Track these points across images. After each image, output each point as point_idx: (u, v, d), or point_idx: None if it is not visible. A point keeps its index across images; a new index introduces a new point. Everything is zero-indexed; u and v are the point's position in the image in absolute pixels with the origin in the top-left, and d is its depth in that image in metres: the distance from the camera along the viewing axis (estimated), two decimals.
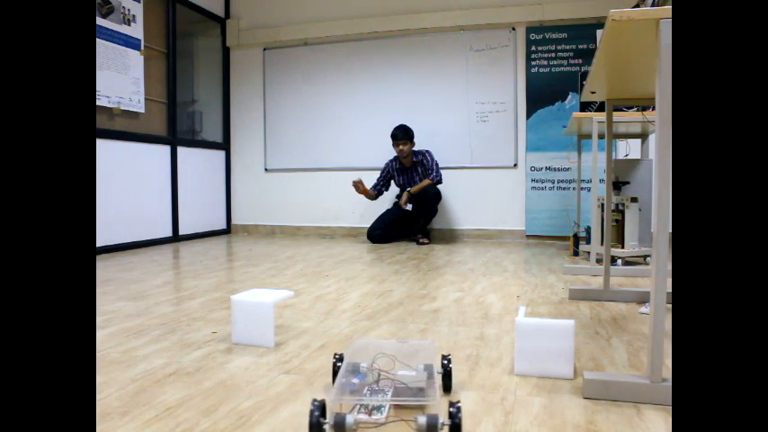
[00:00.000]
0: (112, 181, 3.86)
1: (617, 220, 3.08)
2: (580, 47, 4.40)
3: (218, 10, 5.15)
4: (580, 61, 4.40)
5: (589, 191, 4.27)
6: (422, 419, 0.95)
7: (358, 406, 1.01)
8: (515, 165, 4.59)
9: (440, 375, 1.17)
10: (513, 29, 4.53)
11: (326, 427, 0.96)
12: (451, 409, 0.95)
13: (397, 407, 1.03)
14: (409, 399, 1.05)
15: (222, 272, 2.93)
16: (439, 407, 1.00)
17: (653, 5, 1.59)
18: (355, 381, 1.09)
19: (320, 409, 0.95)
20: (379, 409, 1.00)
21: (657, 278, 1.13)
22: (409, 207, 4.33)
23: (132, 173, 4.05)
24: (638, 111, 2.94)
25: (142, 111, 4.15)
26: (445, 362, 1.20)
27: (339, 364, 1.22)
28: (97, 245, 3.72)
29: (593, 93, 1.99)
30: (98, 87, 3.74)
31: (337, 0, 4.93)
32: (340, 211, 5.02)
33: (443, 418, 0.95)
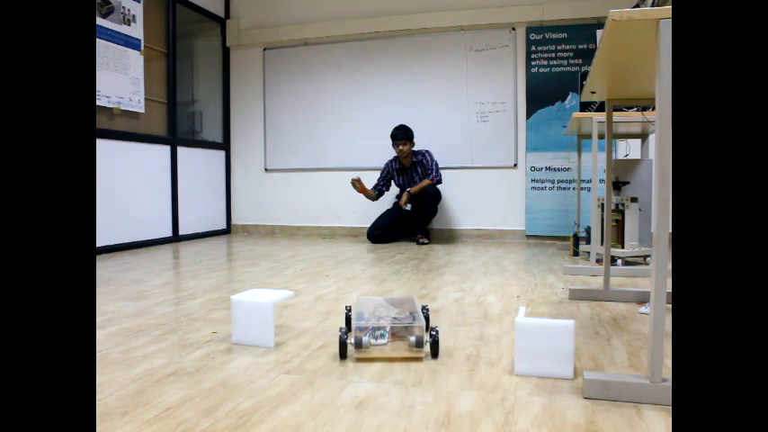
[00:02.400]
0: (112, 181, 3.86)
1: (617, 220, 3.08)
2: (580, 47, 4.40)
3: (218, 10, 5.15)
4: (580, 61, 4.40)
5: (589, 191, 4.27)
6: (412, 338, 1.46)
7: (368, 334, 1.47)
8: (515, 165, 4.59)
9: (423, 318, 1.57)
10: (513, 29, 4.53)
11: (349, 344, 1.47)
12: (432, 332, 1.46)
13: (393, 335, 1.50)
14: (406, 323, 1.50)
15: (222, 272, 2.93)
16: (424, 331, 1.47)
17: (653, 5, 1.59)
18: (362, 322, 1.51)
19: (345, 333, 1.45)
20: (383, 335, 1.49)
21: (657, 278, 1.13)
22: (409, 207, 4.33)
23: (132, 173, 4.05)
24: (638, 111, 2.94)
25: (142, 111, 4.15)
26: (425, 310, 1.65)
27: (350, 314, 1.67)
28: (97, 245, 3.72)
29: (593, 93, 1.99)
30: (98, 87, 3.74)
31: (337, 0, 4.93)
32: (340, 211, 5.03)
33: (427, 338, 1.47)
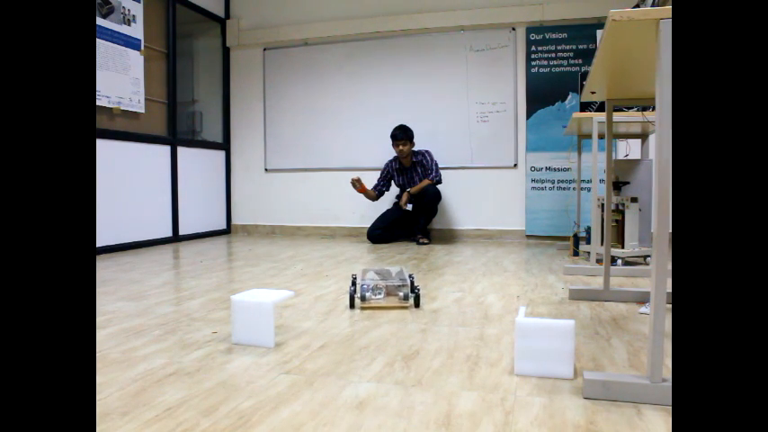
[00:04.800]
0: (112, 181, 3.86)
1: (617, 220, 3.08)
2: (580, 47, 4.40)
3: (218, 10, 5.15)
4: (580, 61, 4.40)
5: (589, 191, 4.27)
6: (401, 293, 2.04)
7: (370, 291, 2.03)
8: (515, 165, 4.59)
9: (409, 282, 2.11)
10: (513, 29, 4.53)
11: (356, 298, 2.07)
12: (415, 290, 2.06)
13: (388, 293, 2.05)
14: (397, 284, 2.07)
15: (222, 272, 2.93)
16: (409, 290, 2.06)
17: (653, 5, 1.59)
18: (365, 285, 2.04)
19: (353, 291, 2.04)
20: (380, 292, 2.04)
21: (657, 278, 1.13)
22: (409, 207, 4.33)
23: (132, 173, 4.05)
24: (638, 111, 2.94)
25: (142, 111, 4.15)
26: (411, 276, 2.17)
27: (355, 278, 2.15)
28: (97, 245, 3.72)
29: (593, 93, 1.99)
30: (98, 87, 3.74)
31: (337, 0, 4.93)
32: (340, 211, 5.03)
33: (411, 294, 2.06)
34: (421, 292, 2.33)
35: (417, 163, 4.43)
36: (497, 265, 3.14)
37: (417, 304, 2.05)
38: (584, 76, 4.37)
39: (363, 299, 2.01)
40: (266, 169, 5.22)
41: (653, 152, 3.51)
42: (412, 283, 2.11)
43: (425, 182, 4.35)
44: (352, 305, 2.04)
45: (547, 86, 4.46)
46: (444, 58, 4.69)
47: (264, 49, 5.15)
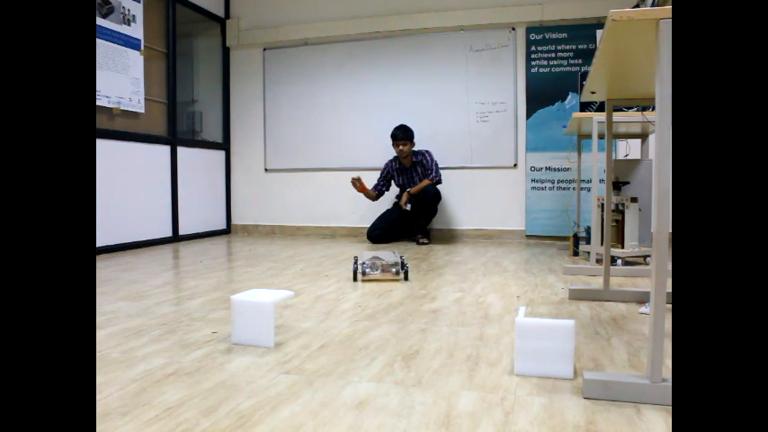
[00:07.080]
0: (112, 181, 3.86)
1: (617, 220, 3.08)
2: (580, 47, 4.40)
3: (218, 10, 5.15)
4: (580, 61, 4.40)
5: (589, 191, 4.27)
6: (394, 269, 2.58)
7: (369, 268, 2.57)
8: (515, 165, 4.59)
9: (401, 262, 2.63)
10: (513, 29, 4.53)
11: (358, 272, 2.62)
12: (404, 267, 2.59)
13: (383, 270, 2.58)
14: (390, 262, 2.59)
15: (222, 272, 2.93)
16: (400, 266, 2.60)
17: (653, 5, 1.59)
18: (366, 263, 2.59)
19: (356, 267, 2.61)
20: (377, 269, 2.57)
21: (657, 278, 1.13)
22: (409, 207, 4.33)
23: (132, 173, 4.05)
24: (638, 111, 2.94)
25: (142, 111, 4.15)
26: (402, 257, 2.66)
27: (357, 259, 2.66)
28: (97, 245, 3.72)
29: (593, 93, 1.99)
30: (98, 87, 3.74)
31: (337, 0, 4.93)
32: (340, 211, 5.03)
33: (402, 269, 2.61)
34: (421, 293, 2.33)
35: (417, 163, 4.43)
36: (497, 265, 3.14)
37: (407, 277, 2.59)
38: (584, 76, 4.37)
39: (364, 273, 2.56)
40: (266, 169, 5.22)
41: (653, 152, 3.51)
42: (402, 261, 2.60)
43: (425, 182, 4.35)
44: (355, 279, 2.60)
45: (547, 86, 4.46)
46: (444, 58, 4.69)
47: (264, 49, 5.15)
